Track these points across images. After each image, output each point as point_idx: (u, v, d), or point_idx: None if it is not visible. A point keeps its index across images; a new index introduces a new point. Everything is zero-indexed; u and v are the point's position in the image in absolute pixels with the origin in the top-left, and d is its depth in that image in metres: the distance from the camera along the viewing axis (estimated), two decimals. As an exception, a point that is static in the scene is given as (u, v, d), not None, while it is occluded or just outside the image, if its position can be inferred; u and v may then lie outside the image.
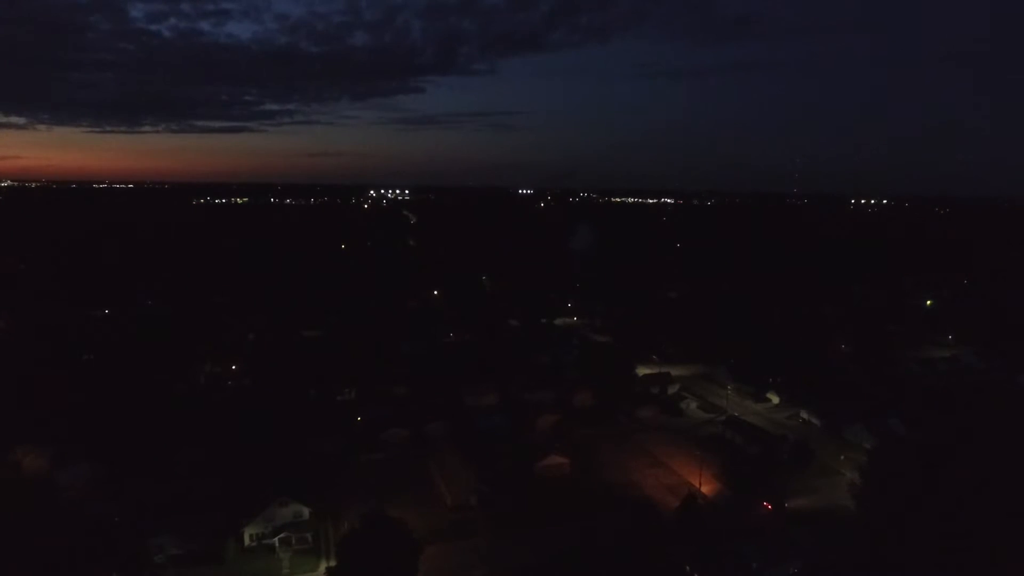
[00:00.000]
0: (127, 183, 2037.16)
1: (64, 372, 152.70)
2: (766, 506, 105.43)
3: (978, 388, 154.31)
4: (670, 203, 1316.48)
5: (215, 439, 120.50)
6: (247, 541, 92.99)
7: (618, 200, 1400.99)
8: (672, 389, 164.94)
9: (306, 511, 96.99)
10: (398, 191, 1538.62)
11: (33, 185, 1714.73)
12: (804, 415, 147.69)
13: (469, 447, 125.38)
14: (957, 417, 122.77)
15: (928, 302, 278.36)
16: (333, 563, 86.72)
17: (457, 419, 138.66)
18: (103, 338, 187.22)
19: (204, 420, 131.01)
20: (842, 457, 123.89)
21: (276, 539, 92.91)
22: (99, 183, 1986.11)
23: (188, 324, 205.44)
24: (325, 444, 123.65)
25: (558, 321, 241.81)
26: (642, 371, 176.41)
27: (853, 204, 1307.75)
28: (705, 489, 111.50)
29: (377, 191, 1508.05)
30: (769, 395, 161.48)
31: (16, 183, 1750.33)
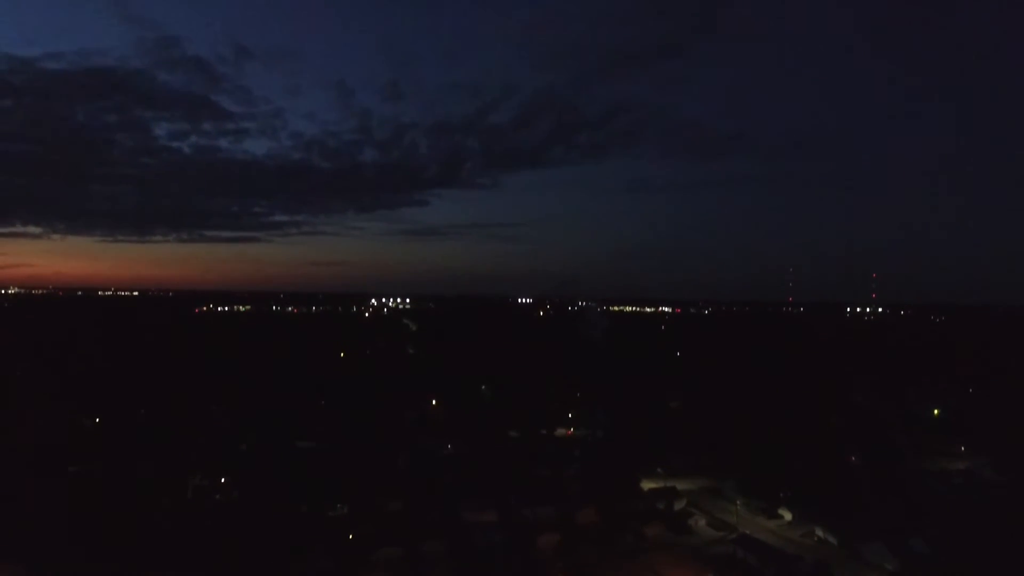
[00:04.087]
0: (133, 290, 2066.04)
1: (48, 485, 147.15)
2: None
3: (999, 503, 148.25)
4: (668, 311, 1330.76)
5: (198, 558, 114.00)
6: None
7: (616, 308, 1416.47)
8: (679, 504, 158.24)
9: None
10: (399, 299, 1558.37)
11: (39, 292, 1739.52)
12: (820, 533, 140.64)
13: (467, 567, 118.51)
14: (982, 536, 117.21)
15: (935, 411, 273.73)
16: None
17: (454, 537, 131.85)
18: (91, 449, 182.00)
19: (188, 537, 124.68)
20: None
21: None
22: (105, 290, 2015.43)
23: (180, 434, 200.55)
24: (314, 564, 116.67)
25: (559, 432, 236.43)
26: (647, 485, 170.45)
27: (849, 312, 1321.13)
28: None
29: (379, 299, 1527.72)
30: (781, 511, 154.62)
31: (23, 290, 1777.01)
